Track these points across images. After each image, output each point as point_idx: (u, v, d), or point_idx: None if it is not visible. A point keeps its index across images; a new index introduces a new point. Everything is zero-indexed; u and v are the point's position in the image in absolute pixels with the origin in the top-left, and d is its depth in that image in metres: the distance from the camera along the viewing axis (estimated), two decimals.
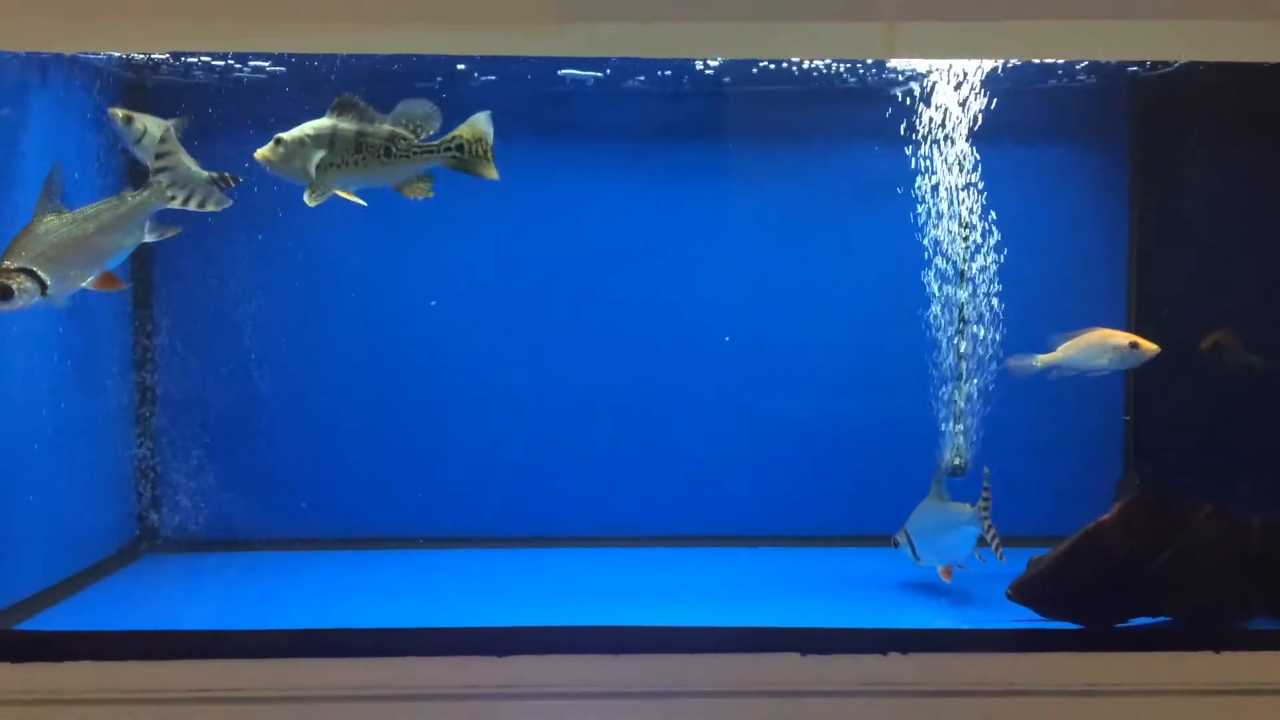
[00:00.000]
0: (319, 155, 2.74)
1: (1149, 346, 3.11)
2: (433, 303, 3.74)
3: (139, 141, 2.90)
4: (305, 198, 2.75)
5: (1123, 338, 3.15)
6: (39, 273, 2.55)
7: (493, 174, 2.88)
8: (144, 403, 3.64)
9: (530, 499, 3.81)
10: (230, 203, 2.78)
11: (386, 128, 2.81)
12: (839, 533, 3.78)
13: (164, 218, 2.80)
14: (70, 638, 2.57)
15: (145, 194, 2.72)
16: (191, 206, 2.74)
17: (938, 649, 2.60)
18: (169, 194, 2.72)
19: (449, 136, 2.85)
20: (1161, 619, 2.77)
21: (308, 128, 2.75)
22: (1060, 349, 3.21)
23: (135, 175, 3.05)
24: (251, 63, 3.21)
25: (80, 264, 2.65)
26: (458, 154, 2.84)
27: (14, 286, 2.50)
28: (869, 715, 2.56)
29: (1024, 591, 2.78)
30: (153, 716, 2.50)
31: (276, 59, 3.21)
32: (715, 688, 2.56)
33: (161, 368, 3.63)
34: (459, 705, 2.52)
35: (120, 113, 2.90)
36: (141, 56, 3.24)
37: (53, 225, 2.60)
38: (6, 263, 2.53)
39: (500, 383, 3.78)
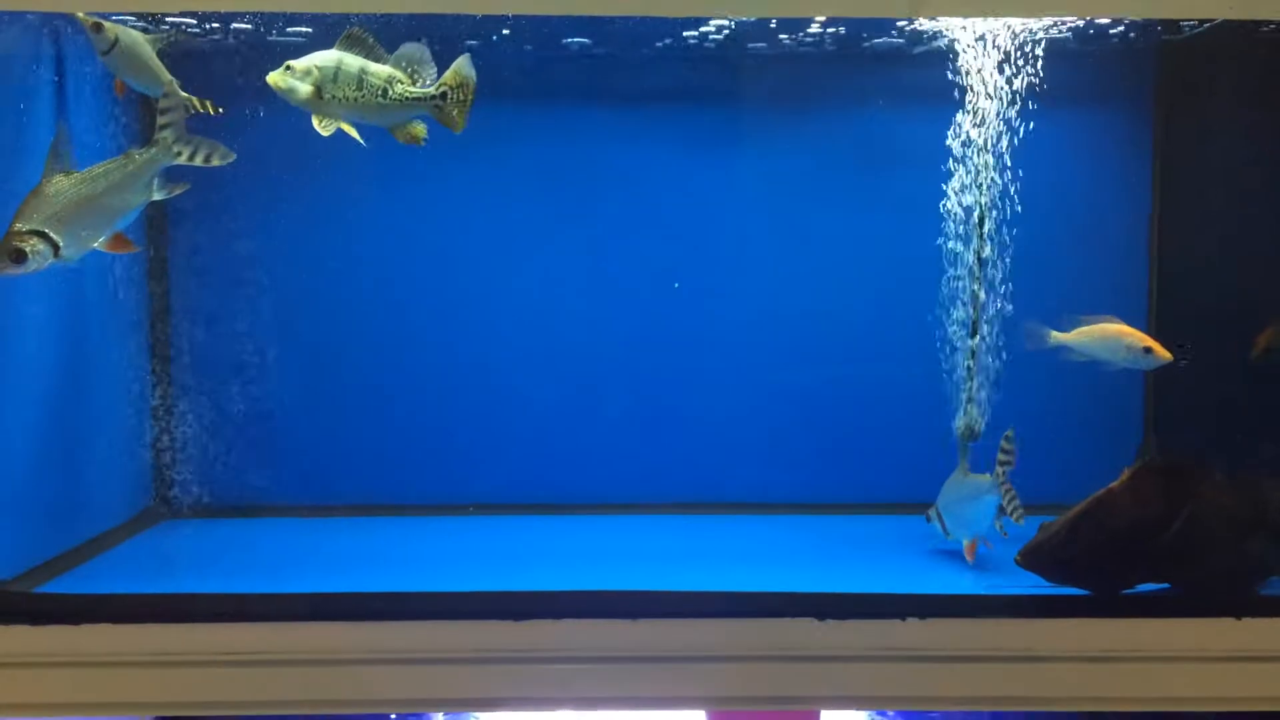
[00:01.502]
0: (325, 85, 2.76)
1: (1163, 354, 3.08)
2: (449, 269, 3.74)
3: (107, 52, 2.82)
4: (315, 126, 2.79)
5: (1139, 339, 3.11)
6: (51, 234, 2.53)
7: (459, 125, 2.91)
8: (159, 366, 3.64)
9: (548, 466, 3.80)
10: (234, 156, 2.76)
11: (386, 69, 2.84)
12: (859, 500, 3.77)
13: (172, 174, 2.79)
14: (89, 601, 2.58)
15: (152, 151, 2.71)
16: (198, 162, 2.72)
17: (956, 615, 2.60)
18: (175, 150, 2.70)
19: (437, 84, 2.88)
20: (1173, 586, 2.75)
21: (316, 58, 2.79)
22: (1077, 332, 3.18)
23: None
24: (289, 29, 3.18)
25: (91, 224, 2.63)
26: (440, 102, 2.88)
27: (27, 249, 2.49)
28: (887, 680, 2.56)
29: (1032, 557, 2.76)
30: (171, 679, 2.51)
31: (310, 20, 3.18)
32: (733, 653, 2.55)
33: (176, 331, 3.63)
34: (477, 669, 2.53)
35: (89, 19, 2.82)
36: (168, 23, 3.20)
37: (62, 186, 2.58)
38: (18, 225, 2.51)
39: (518, 348, 3.76)
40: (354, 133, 2.86)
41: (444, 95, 2.88)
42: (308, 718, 2.93)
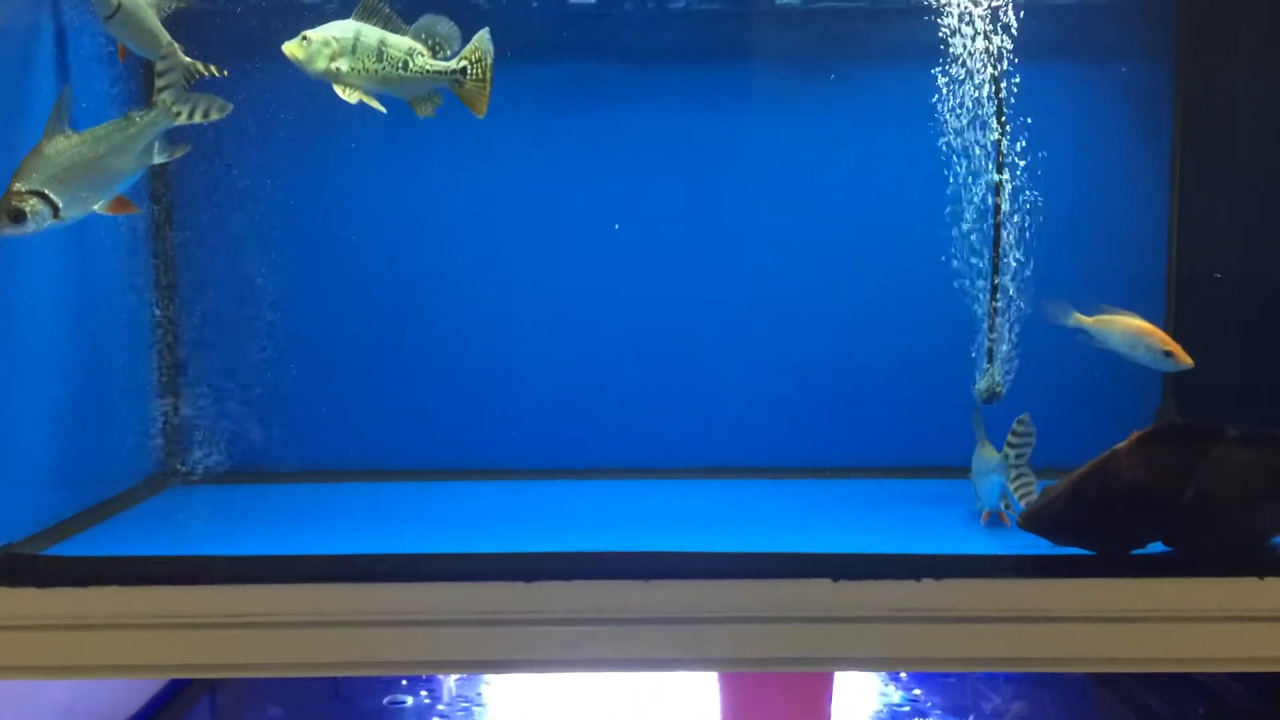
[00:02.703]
0: (343, 59, 2.71)
1: (1183, 359, 3.03)
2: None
3: (110, 17, 2.78)
4: (340, 93, 2.75)
5: (1160, 341, 3.06)
6: (50, 195, 2.50)
7: (482, 105, 2.87)
8: (166, 331, 3.62)
9: (557, 431, 3.78)
10: (232, 107, 2.74)
11: (407, 41, 2.79)
12: (871, 464, 3.75)
13: (173, 136, 2.77)
14: (96, 563, 2.55)
15: (153, 114, 2.69)
16: (197, 119, 2.70)
17: (971, 575, 2.56)
18: (175, 110, 2.68)
19: (458, 58, 2.84)
20: (1188, 547, 2.71)
21: (334, 28, 2.75)
22: (1098, 319, 3.14)
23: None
24: None
25: (91, 186, 2.61)
26: (460, 77, 2.84)
27: (26, 209, 2.46)
28: (902, 641, 2.53)
29: (1034, 520, 2.72)
30: (179, 641, 2.49)
31: None
32: (746, 614, 2.52)
33: (182, 297, 3.61)
34: (486, 631, 2.50)
35: None
36: None
37: (62, 147, 2.56)
38: (18, 185, 2.49)
39: (527, 313, 3.74)
40: (376, 104, 2.82)
41: (464, 70, 2.84)
42: (316, 680, 2.92)
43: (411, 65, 2.80)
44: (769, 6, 3.52)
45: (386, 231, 3.71)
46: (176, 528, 3.29)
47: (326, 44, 2.72)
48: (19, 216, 2.46)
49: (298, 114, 3.27)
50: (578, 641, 2.51)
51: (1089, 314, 3.16)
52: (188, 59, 2.83)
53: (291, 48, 2.73)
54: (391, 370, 3.75)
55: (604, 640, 2.51)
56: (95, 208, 2.67)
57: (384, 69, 2.78)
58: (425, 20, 2.82)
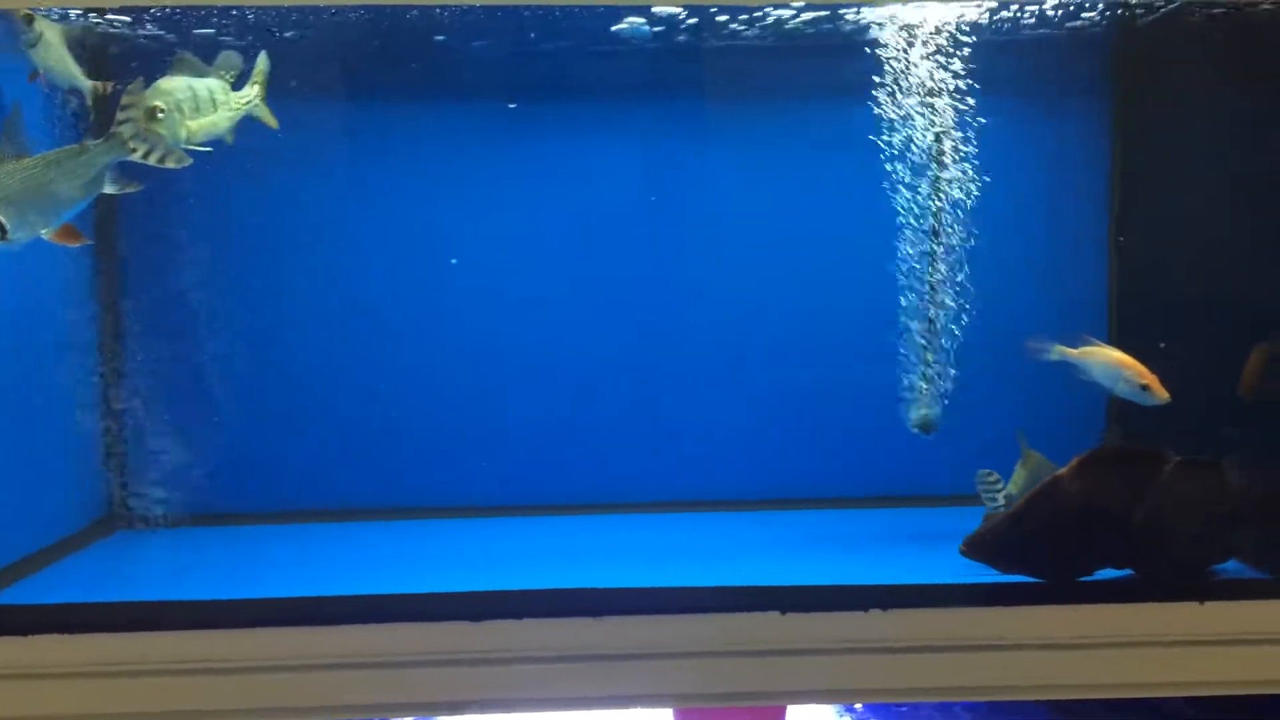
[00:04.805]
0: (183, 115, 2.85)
1: (1160, 394, 3.08)
2: (450, 261, 3.72)
3: (33, 45, 2.82)
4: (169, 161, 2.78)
5: (1138, 375, 3.10)
6: None
7: (273, 122, 3.14)
8: (112, 372, 3.58)
9: (513, 469, 3.76)
10: (191, 161, 2.76)
11: (215, 80, 2.96)
12: (828, 496, 3.77)
13: (126, 172, 2.77)
14: (38, 610, 2.52)
15: (107, 144, 2.69)
16: (151, 161, 2.71)
17: (920, 605, 2.58)
18: (131, 145, 2.68)
19: (250, 81, 3.07)
20: (1135, 571, 2.74)
21: (166, 89, 2.84)
22: (1081, 351, 3.20)
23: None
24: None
25: (40, 209, 2.59)
26: (258, 101, 3.09)
27: None
28: (853, 672, 2.54)
29: (976, 547, 2.75)
30: (125, 689, 2.46)
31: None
32: (696, 648, 2.53)
33: (129, 334, 3.58)
34: (436, 672, 2.49)
35: (21, 10, 2.81)
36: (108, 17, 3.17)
37: (12, 169, 2.54)
38: None
39: (488, 350, 3.73)
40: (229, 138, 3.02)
41: (258, 95, 3.09)
42: None
43: (233, 103, 3.01)
44: (721, 43, 3.55)
45: (346, 269, 3.69)
46: (120, 573, 3.24)
47: (179, 108, 2.82)
48: None
49: (253, 147, 3.26)
50: (529, 681, 2.50)
51: (1073, 346, 3.22)
52: (92, 82, 2.89)
53: (151, 127, 2.78)
54: (345, 410, 3.72)
55: (555, 679, 2.50)
56: (43, 234, 2.65)
57: (216, 113, 2.94)
58: (221, 58, 2.99)
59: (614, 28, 3.38)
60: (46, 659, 2.46)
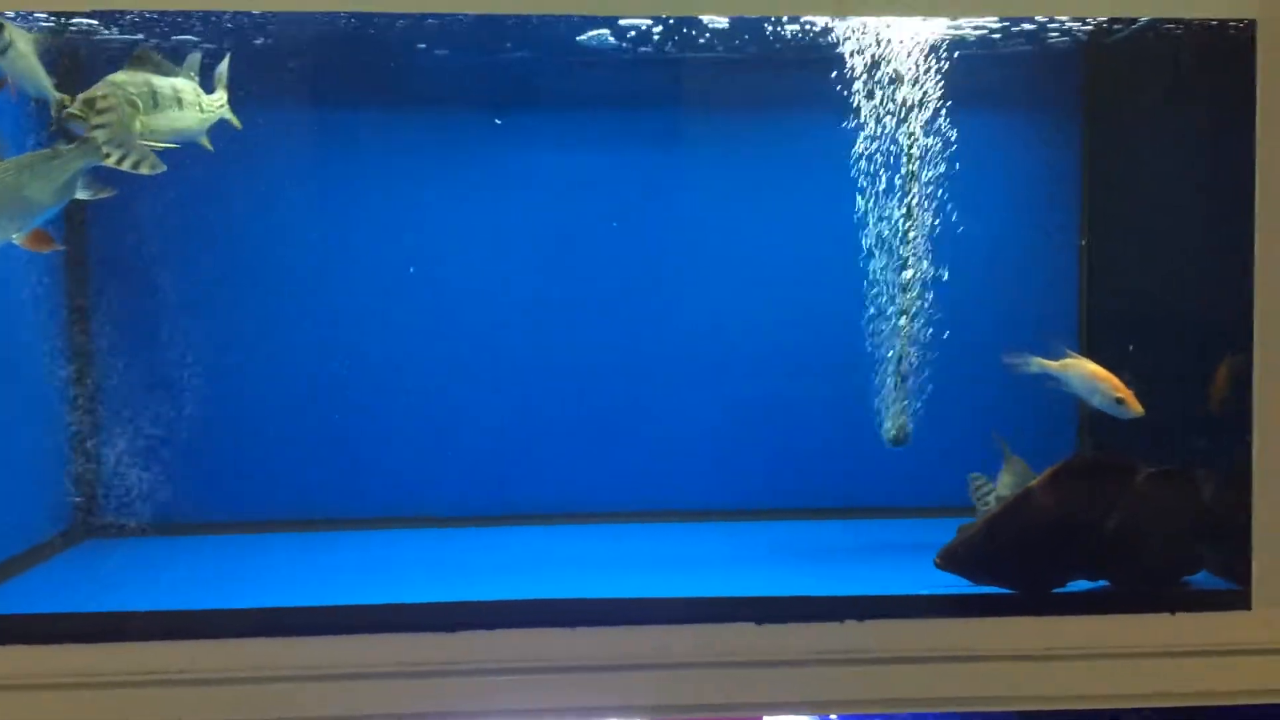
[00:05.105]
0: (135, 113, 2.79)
1: (1135, 407, 3.11)
2: (409, 270, 3.70)
3: (3, 53, 2.76)
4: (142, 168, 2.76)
5: (1113, 389, 3.14)
6: None
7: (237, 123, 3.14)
8: (79, 380, 3.54)
9: (485, 478, 3.74)
10: (164, 168, 2.73)
11: (183, 80, 2.95)
12: (805, 506, 3.77)
13: (99, 177, 2.73)
14: (3, 621, 2.48)
15: (81, 149, 2.66)
16: (125, 167, 2.68)
17: (895, 616, 2.58)
18: (104, 151, 2.65)
19: (216, 85, 3.10)
20: (1109, 582, 2.76)
21: (120, 84, 2.78)
22: (1063, 363, 3.23)
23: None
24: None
25: (11, 214, 2.57)
26: (225, 102, 3.10)
27: None
28: (827, 683, 2.54)
29: (950, 559, 2.76)
30: (89, 700, 2.42)
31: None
32: (671, 660, 2.52)
33: (99, 342, 3.54)
34: (408, 683, 2.46)
35: None
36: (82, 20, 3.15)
37: None
38: None
39: (457, 359, 3.71)
40: (207, 143, 3.03)
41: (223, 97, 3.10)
42: None
43: (204, 104, 3.01)
44: (692, 55, 3.56)
45: (314, 277, 3.67)
46: (86, 583, 3.19)
47: (130, 102, 2.76)
48: None
49: (227, 157, 3.24)
50: (501, 692, 2.48)
51: (1055, 359, 3.25)
52: (59, 94, 2.83)
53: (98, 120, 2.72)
54: (315, 419, 3.69)
55: (528, 690, 2.48)
56: (14, 239, 2.62)
57: (185, 112, 2.93)
58: (189, 59, 2.99)
59: (578, 39, 3.40)
60: (15, 669, 2.42)
